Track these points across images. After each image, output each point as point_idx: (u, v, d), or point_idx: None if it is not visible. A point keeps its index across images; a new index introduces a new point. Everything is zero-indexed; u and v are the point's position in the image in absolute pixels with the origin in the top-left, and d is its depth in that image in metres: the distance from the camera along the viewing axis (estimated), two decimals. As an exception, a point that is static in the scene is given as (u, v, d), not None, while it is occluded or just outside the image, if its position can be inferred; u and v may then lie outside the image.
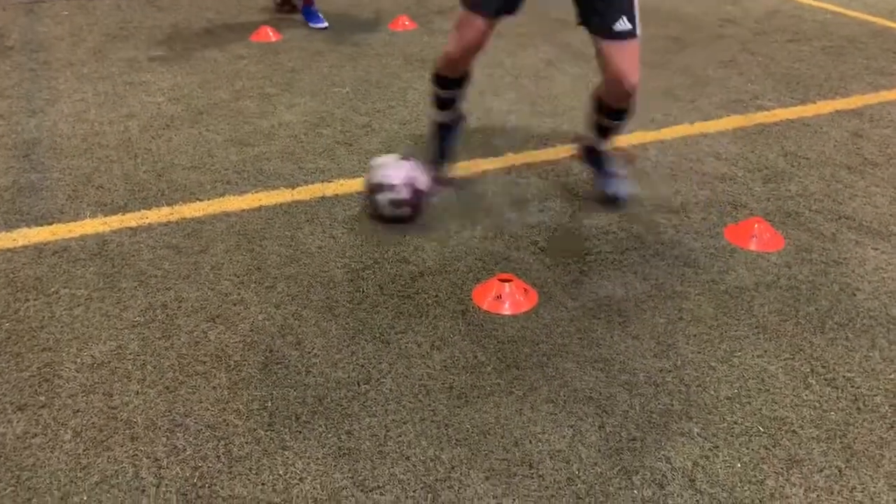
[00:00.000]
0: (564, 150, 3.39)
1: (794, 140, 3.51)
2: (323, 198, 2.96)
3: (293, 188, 3.02)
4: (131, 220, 2.76)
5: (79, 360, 2.06)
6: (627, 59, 2.52)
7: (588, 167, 3.06)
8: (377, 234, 2.70)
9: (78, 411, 1.89)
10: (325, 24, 5.09)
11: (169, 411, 1.90)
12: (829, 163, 3.29)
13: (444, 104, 3.00)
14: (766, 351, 2.14)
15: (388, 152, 3.32)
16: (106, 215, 2.78)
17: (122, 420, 1.87)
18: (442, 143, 3.05)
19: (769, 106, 3.90)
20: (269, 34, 4.87)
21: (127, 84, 4.05)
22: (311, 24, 5.15)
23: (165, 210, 2.83)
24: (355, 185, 3.06)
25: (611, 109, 2.76)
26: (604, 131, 2.89)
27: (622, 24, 2.47)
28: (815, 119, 3.74)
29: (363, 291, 2.39)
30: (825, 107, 3.90)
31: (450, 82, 2.93)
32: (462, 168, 3.21)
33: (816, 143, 3.47)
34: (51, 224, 2.71)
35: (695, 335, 2.19)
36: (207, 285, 2.40)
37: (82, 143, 3.36)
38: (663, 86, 4.16)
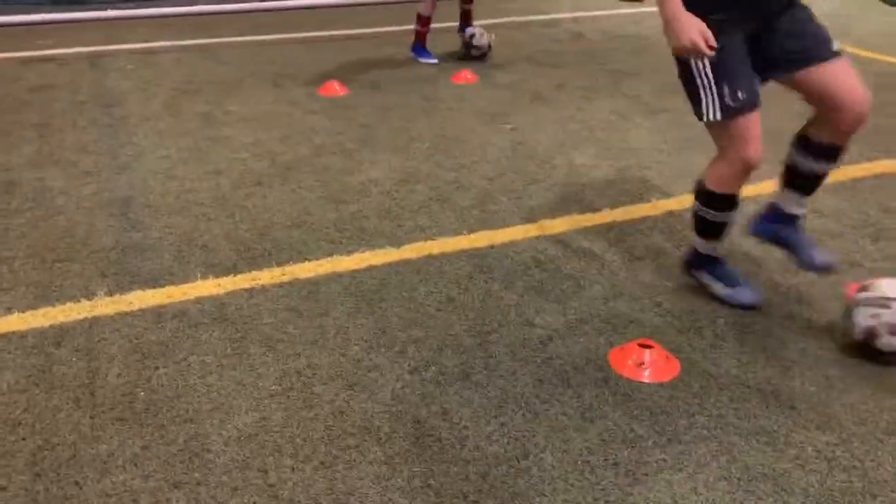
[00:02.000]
0: (662, 205, 3.35)
1: (890, 194, 3.47)
2: (430, 256, 2.92)
3: (398, 247, 2.99)
4: (244, 281, 2.72)
5: (224, 433, 2.00)
6: (854, 74, 2.34)
7: (779, 240, 2.64)
8: (492, 296, 2.66)
9: (236, 489, 1.83)
10: (436, 60, 5.67)
11: (331, 489, 1.83)
12: (933, 219, 3.25)
13: (718, 231, 2.53)
14: (929, 421, 2.07)
15: (482, 208, 3.31)
16: (217, 276, 2.75)
17: (284, 499, 1.80)
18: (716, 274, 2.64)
19: (855, 159, 3.87)
20: (336, 88, 4.90)
21: (208, 139, 4.06)
22: (421, 60, 5.66)
23: (277, 271, 2.79)
24: (459, 243, 3.02)
25: (834, 146, 2.43)
26: (811, 184, 2.54)
27: (837, 45, 2.34)
28: (904, 173, 3.72)
29: (496, 357, 2.33)
30: (911, 161, 3.88)
31: (731, 201, 2.47)
32: (560, 224, 3.18)
33: (914, 199, 3.44)
34: (163, 286, 2.68)
35: (851, 405, 2.12)
36: (337, 350, 2.34)
37: (176, 201, 3.35)
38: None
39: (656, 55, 5.91)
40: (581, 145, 4.06)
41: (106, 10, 6.88)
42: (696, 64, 2.24)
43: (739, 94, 2.25)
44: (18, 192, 3.41)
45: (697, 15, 2.13)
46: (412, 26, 5.72)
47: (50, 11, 6.76)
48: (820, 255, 2.59)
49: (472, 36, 5.66)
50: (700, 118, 2.34)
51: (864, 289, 2.34)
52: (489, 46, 5.71)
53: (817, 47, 2.33)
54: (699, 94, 2.29)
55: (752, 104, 2.29)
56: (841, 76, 2.31)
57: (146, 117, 4.37)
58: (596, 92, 4.97)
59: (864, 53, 5.86)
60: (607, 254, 2.95)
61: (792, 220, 2.61)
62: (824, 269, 2.59)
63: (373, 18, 6.93)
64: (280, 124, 4.31)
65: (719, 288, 2.61)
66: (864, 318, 2.25)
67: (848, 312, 2.33)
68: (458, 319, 2.52)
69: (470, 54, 5.67)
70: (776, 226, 2.65)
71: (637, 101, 4.79)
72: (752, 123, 2.31)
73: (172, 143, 4.00)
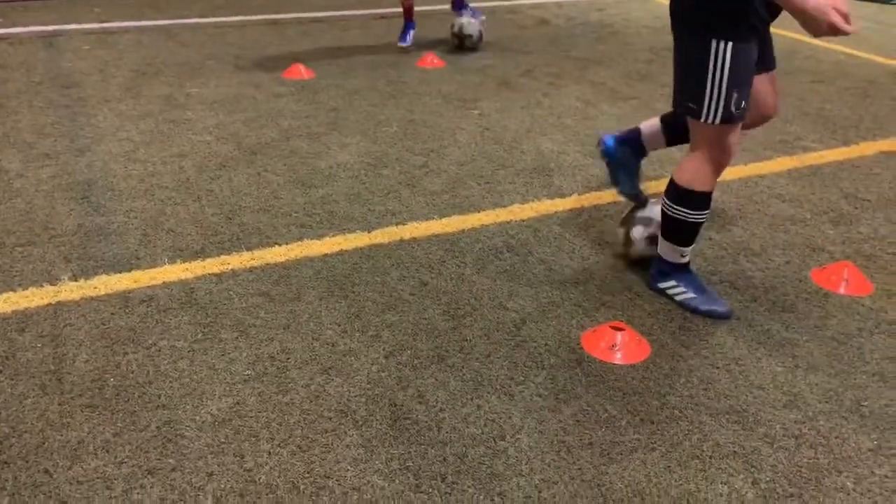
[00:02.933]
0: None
1: (849, 181, 3.56)
2: (402, 241, 2.90)
3: (369, 232, 2.97)
4: (213, 266, 2.68)
5: (198, 419, 1.97)
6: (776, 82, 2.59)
7: (618, 161, 2.96)
8: (465, 280, 2.66)
9: (212, 474, 1.80)
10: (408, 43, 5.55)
11: (308, 473, 1.81)
12: (890, 204, 3.34)
13: (693, 233, 2.50)
14: (892, 400, 2.13)
15: (453, 193, 3.31)
16: (185, 261, 2.70)
17: (261, 483, 1.78)
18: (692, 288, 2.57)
19: (814, 147, 3.97)
20: (302, 71, 4.83)
21: (170, 122, 3.97)
22: (400, 43, 5.52)
23: (246, 255, 2.75)
24: (430, 227, 3.02)
25: None
26: (678, 140, 2.87)
27: None
28: (862, 160, 3.81)
29: (470, 340, 2.34)
30: (868, 148, 3.98)
31: (708, 199, 2.46)
32: (531, 209, 3.20)
33: (872, 185, 3.53)
34: (130, 271, 2.62)
35: (817, 384, 2.18)
36: (311, 335, 2.32)
37: (140, 185, 3.27)
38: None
39: (620, 42, 5.97)
40: (549, 131, 4.08)
41: (59, -12, 6.69)
42: (715, 68, 2.21)
43: (742, 104, 2.26)
44: (-27, 175, 3.31)
45: (741, 13, 2.17)
46: (383, 10, 5.68)
47: (0, -11, 6.54)
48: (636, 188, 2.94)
49: (462, 26, 5.49)
50: (695, 116, 2.29)
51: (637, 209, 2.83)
52: (481, 35, 5.54)
53: (772, 57, 2.52)
54: (704, 95, 2.24)
55: (741, 118, 2.32)
56: (773, 84, 2.56)
57: (105, 99, 4.26)
58: (562, 78, 4.99)
59: (815, 42, 6.00)
60: (577, 238, 2.97)
61: (643, 153, 2.98)
62: (633, 197, 2.92)
63: (339, 1, 6.84)
64: (244, 107, 4.24)
65: (691, 297, 2.53)
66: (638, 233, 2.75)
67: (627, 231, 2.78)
68: (432, 304, 2.52)
69: (464, 45, 5.52)
70: (627, 149, 2.97)
71: (603, 87, 4.83)
72: (734, 132, 2.34)
73: (133, 126, 3.90)
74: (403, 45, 5.50)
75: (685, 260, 2.56)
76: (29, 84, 4.45)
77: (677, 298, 2.55)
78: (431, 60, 5.18)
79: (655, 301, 2.58)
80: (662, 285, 2.59)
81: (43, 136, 3.73)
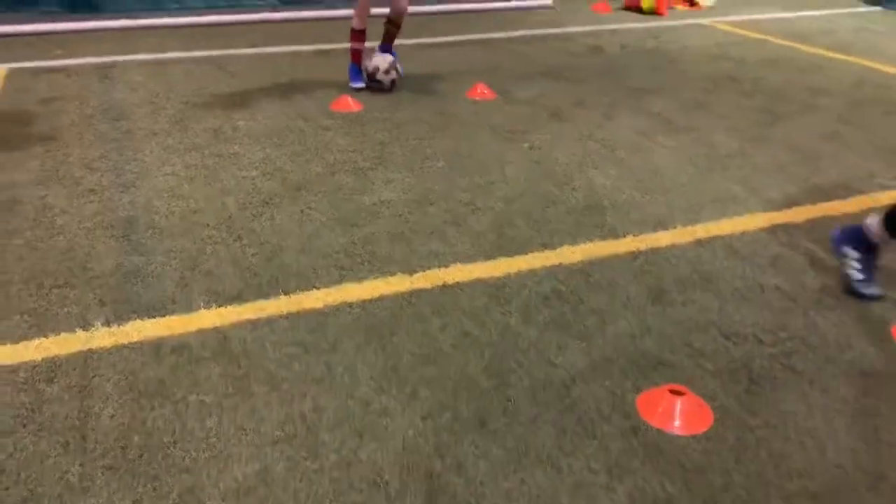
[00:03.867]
0: (689, 232, 3.19)
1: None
2: (444, 286, 2.77)
3: (411, 275, 2.84)
4: (249, 311, 2.59)
5: (222, 486, 1.86)
6: None
7: (850, 260, 2.75)
8: (510, 331, 2.50)
9: (233, 551, 1.69)
10: (362, 85, 5.06)
11: (335, 553, 1.69)
12: (978, 251, 3.07)
13: None
14: None
15: (499, 233, 3.16)
16: (221, 305, 2.61)
17: (284, 564, 1.66)
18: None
19: (891, 185, 3.70)
20: (350, 103, 4.77)
21: (216, 156, 3.93)
22: (352, 84, 5.08)
23: (283, 300, 2.66)
24: (475, 271, 2.88)
25: None
26: None
27: None
28: (944, 200, 3.53)
29: (514, 402, 2.18)
30: (951, 186, 3.70)
31: None
32: (582, 251, 3.03)
33: (957, 228, 3.25)
34: (164, 316, 2.54)
35: (902, 462, 1.96)
36: (345, 391, 2.20)
37: (181, 222, 3.22)
38: (772, 161, 3.97)
39: (677, 71, 5.76)
40: (602, 165, 3.91)
41: (119, 19, 6.84)
42: None
43: None
44: (20, 211, 3.29)
45: None
46: (425, 39, 5.56)
47: (64, 20, 6.70)
48: (873, 288, 2.76)
49: (377, 70, 4.96)
50: None
51: None
52: (392, 84, 5.00)
53: None
54: None
55: None
56: None
57: (153, 132, 4.26)
58: (617, 109, 4.81)
59: (887, 70, 5.69)
60: (632, 286, 2.79)
61: (876, 250, 2.76)
62: (867, 298, 2.74)
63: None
64: (291, 141, 4.18)
65: (856, 273, 2.71)
66: None
67: None
68: (475, 357, 2.37)
69: (371, 86, 5.03)
70: (867, 250, 2.75)
71: (659, 119, 4.63)
72: None
73: (179, 160, 3.88)
74: (357, 85, 5.05)
75: (881, 244, 2.68)
76: (82, 116, 4.49)
77: (846, 270, 2.74)
78: (481, 91, 5.06)
79: (719, 358, 2.38)
80: (844, 249, 2.75)
81: (90, 170, 3.73)
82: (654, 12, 7.84)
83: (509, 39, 6.65)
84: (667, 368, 2.33)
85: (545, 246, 3.07)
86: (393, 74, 5.00)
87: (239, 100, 4.87)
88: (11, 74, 5.32)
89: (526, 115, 4.69)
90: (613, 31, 7.01)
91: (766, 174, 3.81)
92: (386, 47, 5.19)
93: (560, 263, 2.93)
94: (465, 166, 3.89)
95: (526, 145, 4.17)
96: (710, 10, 8.11)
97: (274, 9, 7.51)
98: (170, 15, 7.15)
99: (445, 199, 3.50)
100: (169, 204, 3.39)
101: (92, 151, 3.97)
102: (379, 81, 4.99)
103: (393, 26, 5.14)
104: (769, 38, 6.84)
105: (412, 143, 4.19)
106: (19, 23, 6.62)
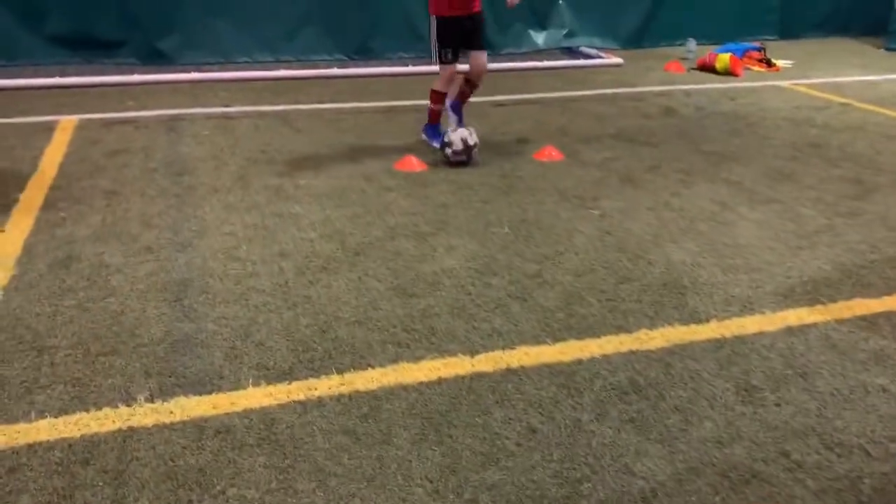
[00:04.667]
0: (780, 318, 2.91)
1: None
2: (508, 370, 2.55)
3: (472, 356, 2.64)
4: (299, 391, 2.41)
5: None
6: None
7: None
8: (582, 429, 2.26)
9: None
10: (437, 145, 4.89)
11: None
12: None
13: None
14: None
15: (568, 311, 2.93)
16: (270, 383, 2.45)
17: None
18: None
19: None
20: (414, 163, 4.66)
21: (276, 216, 3.84)
22: (433, 143, 4.96)
23: (335, 379, 2.48)
24: (541, 354, 2.65)
25: None
26: None
27: None
28: None
29: (587, 515, 1.94)
30: None
31: None
32: (661, 337, 2.78)
33: None
34: (210, 393, 2.39)
35: None
36: (398, 492, 1.99)
37: (236, 287, 3.10)
38: (865, 239, 3.64)
39: (757, 136, 5.48)
40: (679, 238, 3.66)
41: (190, 72, 6.97)
42: None
43: None
44: (76, 269, 3.23)
45: None
46: (492, 97, 5.45)
47: (138, 72, 6.87)
48: None
49: (449, 144, 4.61)
50: None
51: None
52: (468, 155, 4.64)
53: None
54: None
55: None
56: None
57: (215, 188, 4.21)
58: (693, 176, 4.57)
59: None
60: (718, 380, 2.52)
61: None
62: None
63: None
64: (352, 201, 4.07)
65: None
66: None
67: None
68: (542, 460, 2.13)
69: (448, 160, 4.67)
70: None
71: (740, 188, 4.37)
72: None
73: (238, 219, 3.80)
74: (437, 145, 4.84)
75: None
76: (145, 170, 4.49)
77: None
78: (549, 154, 4.89)
79: (821, 473, 2.08)
80: None
81: (149, 227, 3.68)
82: (728, 73, 7.60)
83: (579, 98, 6.50)
84: (761, 483, 2.04)
85: (620, 328, 2.83)
86: (469, 141, 4.65)
87: (302, 157, 4.82)
88: (82, 125, 5.41)
89: (596, 179, 4.49)
90: (687, 93, 6.79)
91: (861, 254, 3.49)
92: (456, 105, 5.09)
93: (637, 350, 2.68)
94: (531, 234, 3.69)
95: (596, 213, 3.96)
96: (788, 72, 7.83)
97: (342, 64, 7.57)
98: (239, 69, 7.27)
99: (510, 270, 3.30)
100: (225, 266, 3.28)
101: (152, 207, 3.93)
102: (466, 156, 4.66)
103: (469, 87, 5.06)
104: (853, 102, 6.51)
105: (476, 207, 4.02)
106: (94, 74, 6.82)
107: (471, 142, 4.65)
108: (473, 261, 3.38)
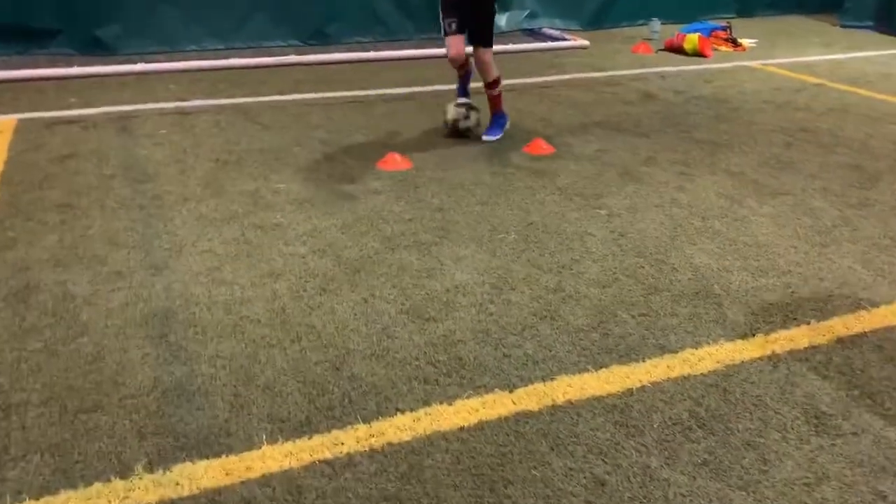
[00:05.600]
0: (826, 327, 2.71)
1: None
2: (555, 407, 2.28)
3: (510, 390, 2.35)
4: (323, 447, 2.08)
5: None
6: None
7: None
8: (653, 478, 2.00)
9: None
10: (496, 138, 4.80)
11: None
12: None
13: None
14: None
15: (603, 330, 2.68)
16: (287, 438, 2.11)
17: None
18: None
19: None
20: (398, 161, 4.31)
21: (257, 228, 3.46)
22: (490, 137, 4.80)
23: (362, 430, 2.15)
24: (586, 384, 2.38)
25: None
26: None
27: None
28: None
29: (686, 589, 1.69)
30: None
31: None
32: (709, 356, 2.54)
33: None
34: (220, 456, 2.04)
35: None
36: (465, 577, 1.71)
37: (227, 317, 2.73)
38: (885, 233, 3.48)
39: (745, 122, 5.31)
40: (697, 239, 3.43)
41: (136, 63, 6.43)
42: None
43: None
44: (36, 302, 2.81)
45: None
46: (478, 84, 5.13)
47: (78, 65, 6.29)
48: None
49: (457, 119, 4.74)
50: None
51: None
52: (452, 131, 4.77)
53: None
54: None
55: None
56: None
57: (184, 197, 3.79)
58: (693, 167, 4.36)
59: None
60: (784, 406, 2.29)
61: None
62: None
63: (427, 74, 6.39)
64: (340, 208, 3.71)
65: None
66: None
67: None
68: (619, 519, 1.88)
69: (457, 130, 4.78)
70: None
71: (744, 179, 4.18)
72: None
73: (216, 233, 3.40)
74: (490, 138, 4.79)
75: None
76: (100, 177, 4.02)
77: None
78: (539, 147, 4.62)
79: (923, 517, 1.89)
80: None
81: (115, 246, 3.25)
82: (697, 54, 7.45)
83: (553, 84, 6.23)
84: (867, 535, 1.84)
85: (663, 349, 2.59)
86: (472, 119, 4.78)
87: (274, 157, 4.42)
88: (22, 126, 4.86)
89: (593, 174, 4.24)
90: (661, 76, 6.59)
91: (886, 250, 3.34)
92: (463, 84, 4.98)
93: (688, 375, 2.44)
94: (540, 239, 3.42)
95: (603, 212, 3.71)
96: (753, 51, 7.73)
97: (298, 51, 7.12)
98: (188, 58, 6.75)
99: (528, 283, 3.02)
100: (210, 291, 2.91)
101: (116, 222, 3.49)
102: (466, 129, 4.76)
103: (486, 88, 4.84)
104: (825, 82, 6.42)
105: (475, 210, 3.72)
106: (28, 67, 6.22)
107: (461, 126, 4.74)
108: (486, 274, 3.09)
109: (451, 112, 4.77)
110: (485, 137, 4.80)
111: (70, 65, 6.31)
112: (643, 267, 3.16)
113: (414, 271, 3.10)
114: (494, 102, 4.84)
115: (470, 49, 4.68)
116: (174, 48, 7.01)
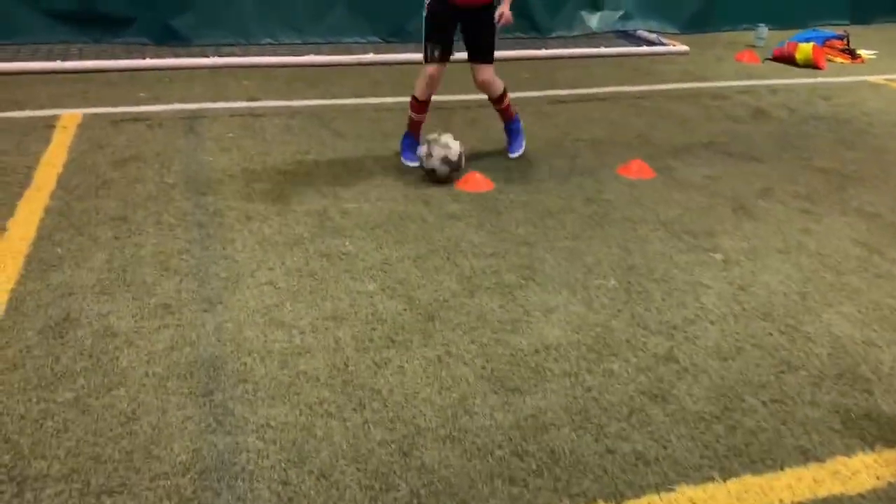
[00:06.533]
0: None
1: None
2: (674, 530, 1.84)
3: (618, 502, 1.92)
4: (385, 570, 1.71)
5: None
6: None
7: None
8: None
9: None
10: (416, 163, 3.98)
11: None
12: None
13: None
14: None
15: (728, 421, 2.20)
16: (342, 553, 1.75)
17: None
18: None
19: None
20: (479, 181, 3.88)
21: (323, 257, 3.09)
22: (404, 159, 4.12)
23: (435, 549, 1.78)
24: (716, 500, 1.93)
25: None
26: None
27: None
28: None
29: None
30: None
31: None
32: (865, 469, 2.04)
33: None
34: (260, 572, 1.70)
35: None
36: None
37: (281, 371, 2.37)
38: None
39: (873, 148, 4.67)
40: (833, 299, 2.90)
41: (208, 56, 6.19)
42: None
43: None
44: (74, 338, 2.50)
45: None
46: (549, 92, 4.64)
47: (151, 57, 6.08)
48: None
49: (422, 158, 3.87)
50: None
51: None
52: (451, 167, 3.84)
53: None
54: None
55: None
56: None
57: (247, 215, 3.46)
58: (818, 204, 3.79)
59: None
60: (975, 555, 1.81)
61: None
62: None
63: (511, 78, 5.90)
64: (413, 235, 3.32)
65: None
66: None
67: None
68: None
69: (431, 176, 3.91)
70: None
71: (880, 223, 3.58)
72: None
73: (278, 261, 3.05)
74: (410, 163, 4.06)
75: None
76: (161, 186, 3.73)
77: None
78: (638, 169, 4.12)
79: None
80: None
81: (166, 272, 2.94)
82: (810, 65, 6.76)
83: (650, 95, 5.69)
84: None
85: (806, 454, 2.08)
86: (447, 168, 3.83)
87: (346, 169, 4.05)
88: (87, 122, 4.64)
89: (702, 207, 3.72)
90: (772, 89, 5.95)
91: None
92: (507, 126, 4.32)
93: (840, 494, 1.95)
94: (644, 288, 2.94)
95: (718, 257, 3.20)
96: (873, 64, 6.98)
97: (377, 49, 6.76)
98: (263, 53, 6.47)
99: (633, 348, 2.56)
100: (266, 336, 2.55)
101: (171, 242, 3.18)
102: (432, 170, 3.86)
103: (493, 104, 4.24)
104: (964, 103, 5.70)
105: (566, 246, 3.27)
106: (100, 57, 6.04)
107: (440, 172, 3.84)
108: (582, 331, 2.65)
109: (434, 160, 3.83)
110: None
111: (143, 56, 6.13)
112: (771, 334, 2.66)
113: (496, 322, 2.68)
114: (508, 114, 4.30)
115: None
116: (249, 40, 6.75)
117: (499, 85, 4.16)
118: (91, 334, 2.52)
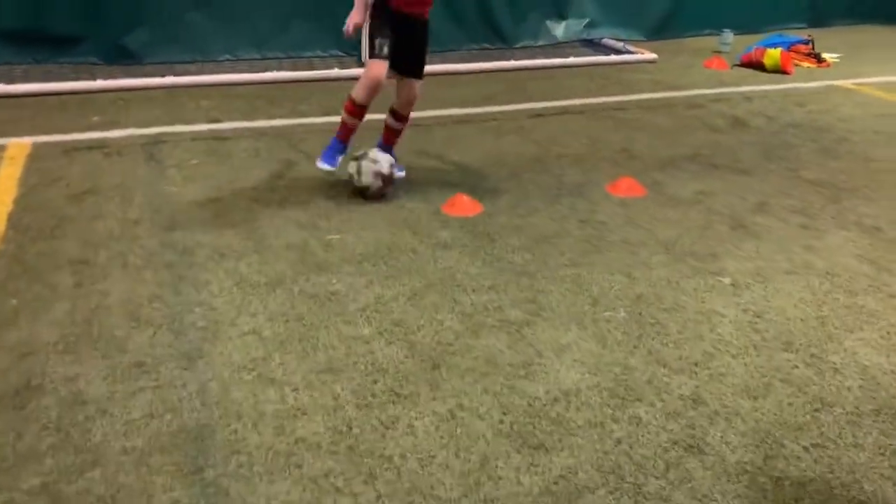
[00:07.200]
0: None
1: None
2: None
3: (670, 578, 1.74)
4: None
5: None
6: None
7: None
8: None
9: None
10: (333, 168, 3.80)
11: None
12: None
13: None
14: None
15: (769, 472, 2.03)
16: None
17: None
18: None
19: None
20: (466, 203, 3.68)
21: (310, 298, 2.85)
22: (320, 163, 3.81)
23: None
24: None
25: None
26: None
27: None
28: None
29: None
30: None
31: None
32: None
33: None
34: None
35: None
36: None
37: (277, 439, 2.12)
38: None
39: (857, 157, 4.61)
40: (852, 324, 2.76)
41: (165, 76, 5.85)
42: None
43: None
44: (38, 408, 2.20)
45: None
46: (525, 105, 4.44)
47: (101, 77, 5.72)
48: None
49: (352, 176, 3.74)
50: None
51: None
52: (384, 182, 3.72)
53: None
54: None
55: None
56: None
57: (220, 252, 3.18)
58: (815, 219, 3.68)
59: None
60: None
61: None
62: None
63: (483, 91, 5.74)
64: (404, 268, 3.09)
65: None
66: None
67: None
68: None
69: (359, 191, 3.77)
70: None
71: (881, 237, 3.48)
72: None
73: (260, 305, 2.79)
74: (326, 167, 3.80)
75: None
76: (123, 223, 3.42)
77: None
78: (627, 187, 3.97)
79: None
80: None
81: (137, 323, 2.65)
82: (777, 70, 6.74)
83: (625, 106, 5.55)
84: None
85: (860, 507, 1.95)
86: (380, 182, 3.70)
87: (323, 196, 3.79)
88: (37, 152, 4.28)
89: (699, 225, 3.58)
90: (746, 97, 5.88)
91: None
92: (387, 148, 3.97)
93: (909, 555, 1.81)
94: (657, 320, 2.77)
95: (726, 281, 3.05)
96: (839, 68, 6.99)
97: (342, 63, 6.51)
98: (221, 69, 6.16)
99: (656, 390, 2.37)
100: (256, 395, 2.30)
101: (139, 287, 2.89)
102: (365, 188, 3.72)
103: (397, 120, 3.98)
104: (934, 106, 5.72)
105: (568, 275, 3.08)
106: (48, 80, 5.64)
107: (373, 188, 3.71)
108: (600, 373, 2.46)
109: (365, 176, 3.71)
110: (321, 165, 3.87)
111: (93, 77, 5.75)
112: (797, 366, 2.51)
113: (507, 367, 2.47)
114: (397, 138, 4.04)
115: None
116: (206, 57, 6.41)
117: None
118: (57, 403, 2.23)
